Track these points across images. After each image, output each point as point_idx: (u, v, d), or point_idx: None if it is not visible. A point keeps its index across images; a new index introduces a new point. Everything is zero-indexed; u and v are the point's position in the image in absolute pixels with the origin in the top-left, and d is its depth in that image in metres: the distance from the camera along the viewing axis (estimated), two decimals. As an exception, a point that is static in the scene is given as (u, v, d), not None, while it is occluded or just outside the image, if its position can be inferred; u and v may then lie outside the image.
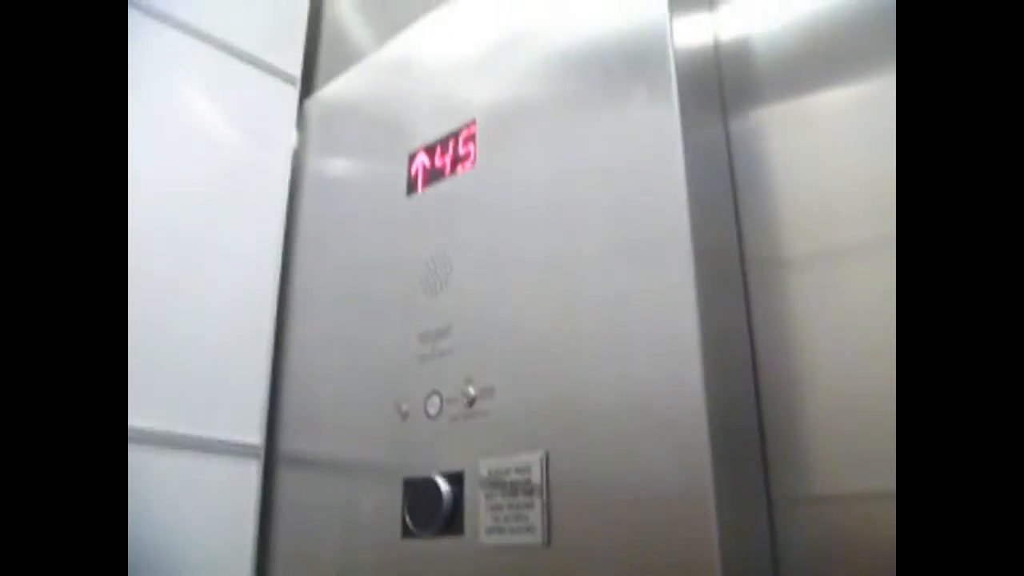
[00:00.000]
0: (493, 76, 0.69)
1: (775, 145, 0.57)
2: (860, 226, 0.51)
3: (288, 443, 0.78)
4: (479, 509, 0.57)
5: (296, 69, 0.95)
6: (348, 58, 0.94)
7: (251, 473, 0.78)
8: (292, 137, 0.92)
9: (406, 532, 0.62)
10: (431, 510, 0.59)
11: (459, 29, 0.76)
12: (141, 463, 0.70)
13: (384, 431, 0.67)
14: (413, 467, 0.63)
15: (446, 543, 0.59)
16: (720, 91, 0.61)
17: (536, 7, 0.68)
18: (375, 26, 0.96)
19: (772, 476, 0.51)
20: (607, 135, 0.59)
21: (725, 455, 0.47)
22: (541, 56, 0.66)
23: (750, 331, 0.54)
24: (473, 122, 0.69)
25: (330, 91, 0.92)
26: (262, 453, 0.79)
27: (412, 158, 0.74)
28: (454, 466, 0.60)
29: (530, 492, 0.54)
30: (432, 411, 0.63)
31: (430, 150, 0.73)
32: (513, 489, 0.55)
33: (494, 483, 0.57)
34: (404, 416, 0.66)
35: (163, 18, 0.82)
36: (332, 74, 0.94)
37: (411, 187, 0.74)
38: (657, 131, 0.55)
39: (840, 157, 0.53)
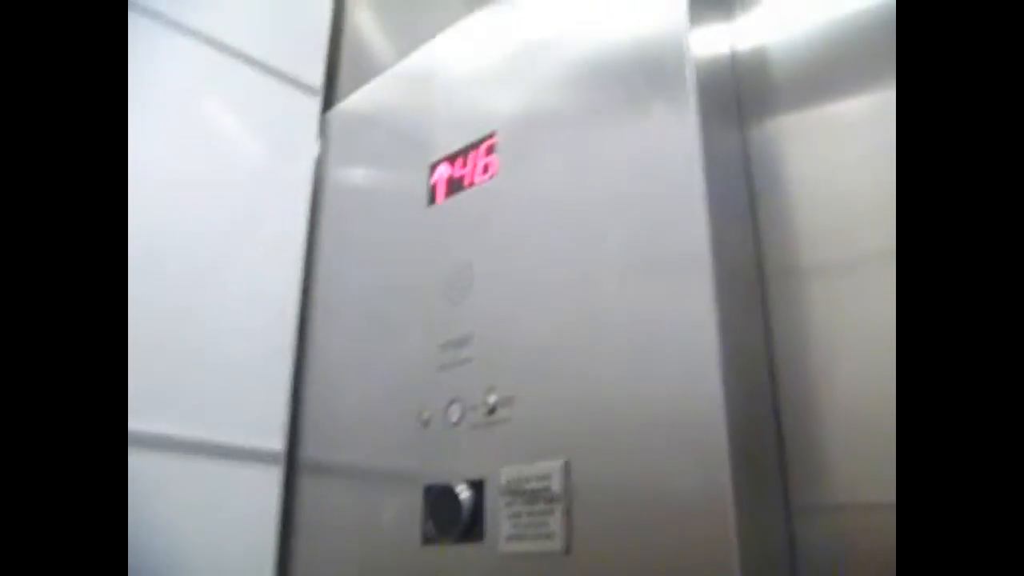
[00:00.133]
0: (513, 88, 0.70)
1: (793, 154, 0.57)
2: (879, 235, 0.51)
3: (309, 450, 0.79)
4: (499, 516, 0.58)
5: (318, 81, 0.96)
6: (369, 70, 0.95)
7: (273, 479, 0.79)
8: (314, 148, 0.93)
9: (426, 539, 0.63)
10: (451, 517, 0.60)
11: (479, 42, 0.77)
12: (164, 469, 0.71)
13: (405, 438, 0.68)
14: (433, 474, 0.64)
15: (466, 550, 0.59)
16: (738, 101, 0.61)
17: (555, 19, 0.69)
18: (396, 39, 0.98)
19: (791, 485, 0.51)
20: (626, 145, 0.59)
21: (744, 464, 0.48)
22: (561, 67, 0.66)
23: (769, 340, 0.54)
24: (493, 133, 0.70)
25: (352, 103, 0.93)
26: (284, 459, 0.80)
27: (433, 169, 0.75)
28: (474, 474, 0.61)
29: (550, 500, 0.54)
30: (453, 419, 0.64)
31: (451, 161, 0.74)
32: (533, 497, 0.56)
33: (514, 491, 0.57)
34: (425, 424, 0.66)
35: (189, 32, 0.84)
36: (353, 86, 0.95)
37: (432, 198, 0.74)
38: (676, 141, 0.56)
39: (859, 165, 0.53)
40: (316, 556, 0.74)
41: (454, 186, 0.72)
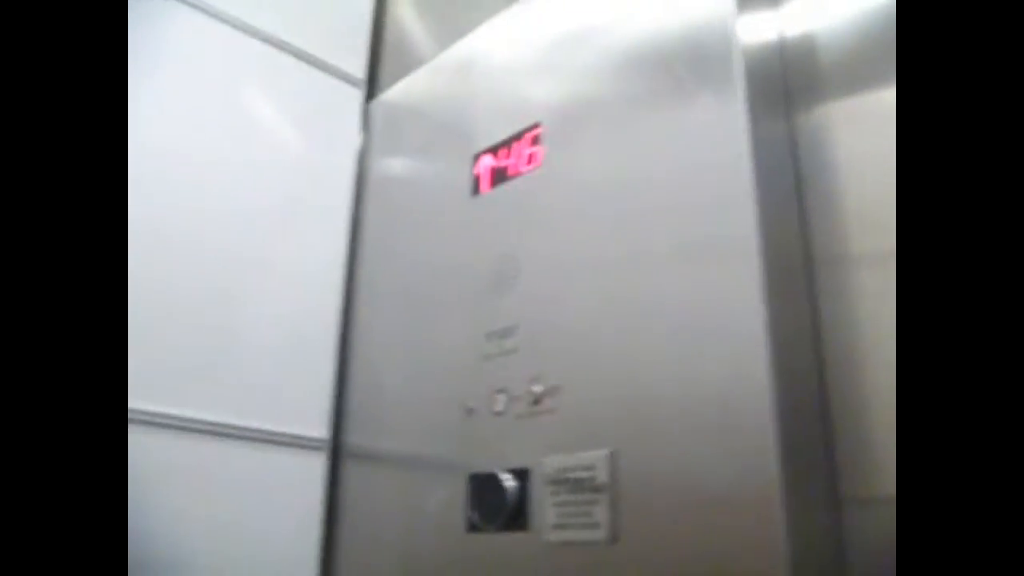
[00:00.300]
0: (558, 78, 0.70)
1: (840, 141, 0.56)
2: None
3: (354, 437, 0.80)
4: (544, 505, 0.58)
5: (361, 72, 0.97)
6: (411, 61, 0.95)
7: (317, 466, 0.80)
8: (357, 139, 0.94)
9: (471, 527, 0.63)
10: (496, 505, 0.60)
11: (523, 32, 0.77)
12: (213, 455, 0.72)
13: (449, 427, 0.68)
14: (478, 463, 0.64)
15: (511, 538, 0.60)
16: (785, 87, 0.61)
17: (599, 8, 0.68)
18: (436, 30, 0.98)
19: (839, 476, 0.50)
20: (672, 134, 0.59)
21: (792, 454, 0.47)
22: (605, 56, 0.66)
23: (816, 330, 0.54)
24: (538, 123, 0.70)
25: (394, 93, 0.94)
26: (328, 447, 0.81)
27: (477, 159, 0.76)
28: (519, 463, 0.61)
29: (596, 489, 0.55)
30: (497, 408, 0.64)
31: (495, 151, 0.74)
32: (579, 486, 0.56)
33: (560, 480, 0.57)
34: (469, 413, 0.67)
35: (234, 23, 0.85)
36: (395, 77, 0.96)
37: (476, 188, 0.75)
38: (723, 129, 0.55)
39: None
40: (360, 542, 0.75)
41: (499, 176, 0.72)
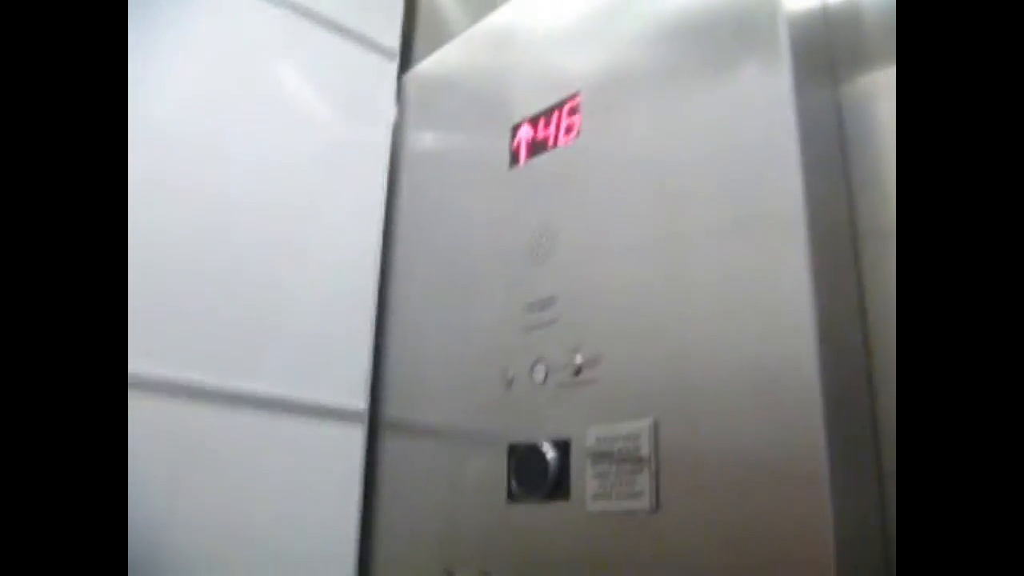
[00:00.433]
0: (597, 47, 0.69)
1: (888, 111, 0.55)
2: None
3: (392, 409, 0.81)
4: (585, 475, 0.58)
5: (395, 43, 0.96)
6: (445, 32, 0.95)
7: (356, 438, 0.80)
8: (391, 111, 0.94)
9: (511, 496, 0.64)
10: (537, 476, 0.61)
11: (560, 1, 0.76)
12: (253, 426, 0.73)
13: (488, 398, 0.69)
14: (518, 433, 0.65)
15: (552, 508, 0.60)
16: (831, 56, 0.60)
17: (640, -25, 0.67)
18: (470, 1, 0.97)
19: (883, 450, 0.50)
20: (715, 103, 0.58)
21: (839, 430, 0.47)
22: (647, 25, 0.65)
23: (862, 303, 0.53)
24: (577, 93, 0.69)
25: (429, 65, 0.93)
26: (366, 418, 0.81)
27: (515, 130, 0.75)
28: (560, 433, 0.61)
29: (638, 459, 0.55)
30: (538, 379, 0.64)
31: (533, 122, 0.73)
32: (621, 456, 0.56)
33: (602, 450, 0.57)
34: (509, 383, 0.67)
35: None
36: (430, 48, 0.95)
37: (514, 159, 0.74)
38: (768, 99, 0.55)
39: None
40: (399, 513, 0.76)
41: (537, 148, 0.72)
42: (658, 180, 0.60)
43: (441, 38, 0.94)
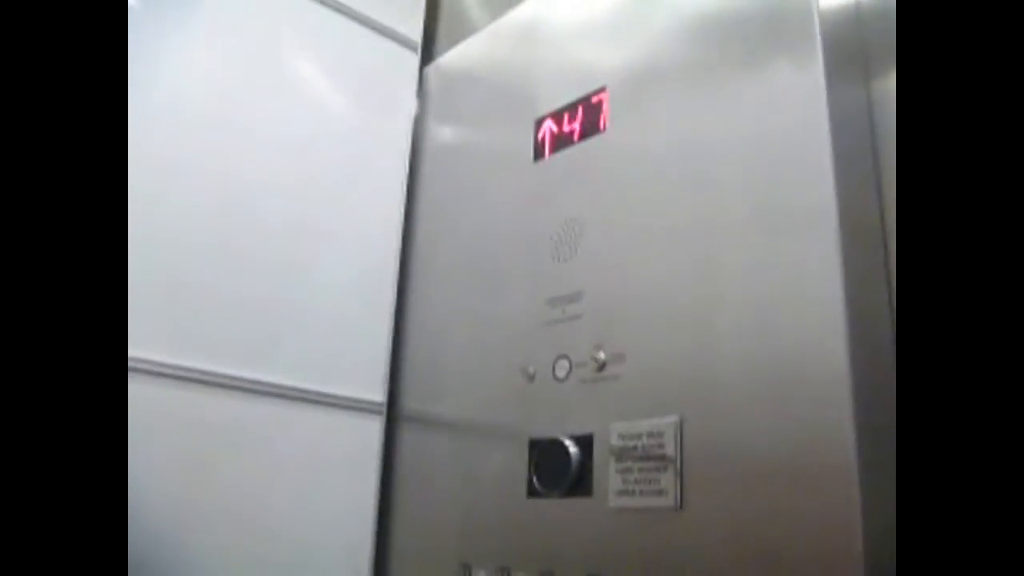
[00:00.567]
0: (625, 41, 0.69)
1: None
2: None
3: (410, 401, 0.81)
4: (608, 471, 0.58)
5: (417, 35, 0.96)
6: (467, 26, 0.94)
7: (374, 429, 0.80)
8: (412, 102, 0.94)
9: (531, 491, 0.63)
10: (559, 471, 0.61)
11: (587, -6, 0.75)
12: (272, 417, 0.74)
13: (509, 392, 0.68)
14: (539, 428, 0.64)
15: (573, 504, 0.60)
16: (863, 52, 0.59)
17: (668, -31, 0.67)
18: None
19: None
20: (745, 99, 0.58)
21: (867, 425, 0.47)
22: (676, 20, 0.65)
23: (892, 300, 0.53)
24: (603, 88, 0.69)
25: (451, 57, 0.93)
26: (384, 410, 0.81)
27: (539, 124, 0.75)
28: (583, 429, 0.61)
29: (663, 456, 0.54)
30: (560, 374, 0.64)
31: (558, 116, 0.73)
32: (645, 453, 0.56)
33: (625, 447, 0.57)
34: (531, 378, 0.67)
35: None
36: (451, 42, 0.95)
37: (538, 153, 0.74)
38: (801, 96, 0.54)
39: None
40: (417, 506, 0.76)
41: (562, 141, 0.72)
42: (687, 176, 0.60)
43: (463, 32, 0.93)
